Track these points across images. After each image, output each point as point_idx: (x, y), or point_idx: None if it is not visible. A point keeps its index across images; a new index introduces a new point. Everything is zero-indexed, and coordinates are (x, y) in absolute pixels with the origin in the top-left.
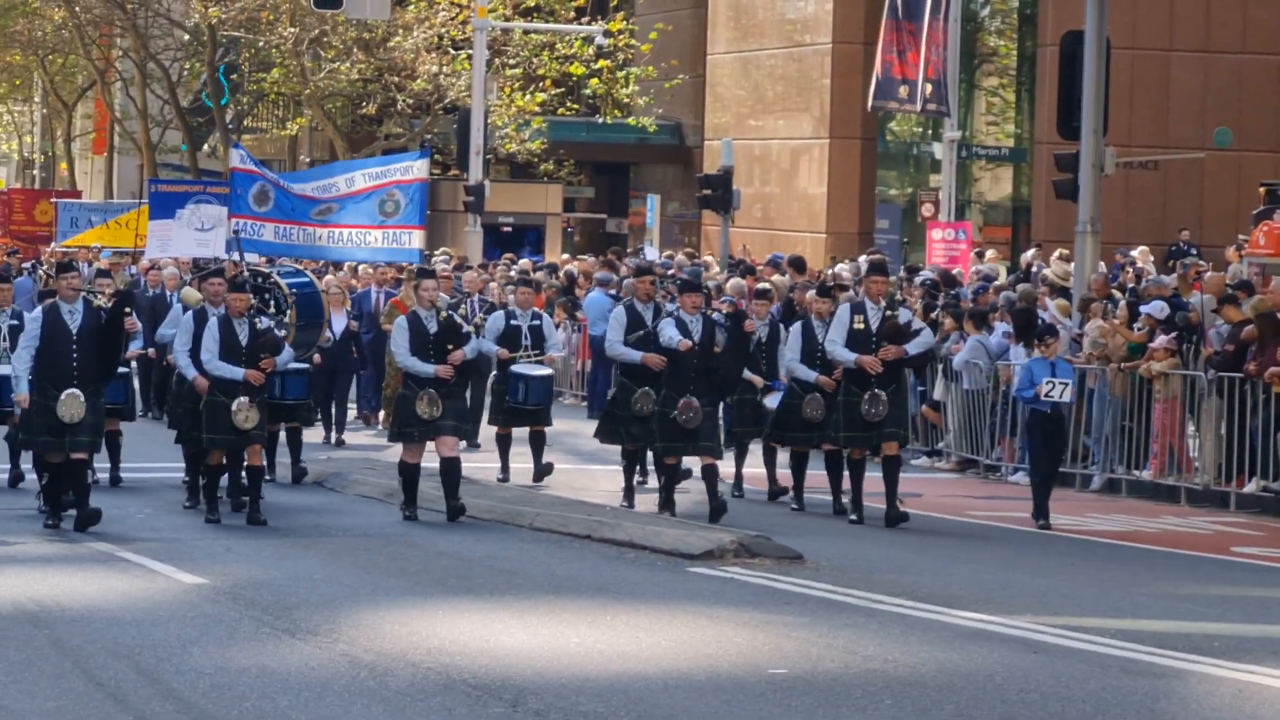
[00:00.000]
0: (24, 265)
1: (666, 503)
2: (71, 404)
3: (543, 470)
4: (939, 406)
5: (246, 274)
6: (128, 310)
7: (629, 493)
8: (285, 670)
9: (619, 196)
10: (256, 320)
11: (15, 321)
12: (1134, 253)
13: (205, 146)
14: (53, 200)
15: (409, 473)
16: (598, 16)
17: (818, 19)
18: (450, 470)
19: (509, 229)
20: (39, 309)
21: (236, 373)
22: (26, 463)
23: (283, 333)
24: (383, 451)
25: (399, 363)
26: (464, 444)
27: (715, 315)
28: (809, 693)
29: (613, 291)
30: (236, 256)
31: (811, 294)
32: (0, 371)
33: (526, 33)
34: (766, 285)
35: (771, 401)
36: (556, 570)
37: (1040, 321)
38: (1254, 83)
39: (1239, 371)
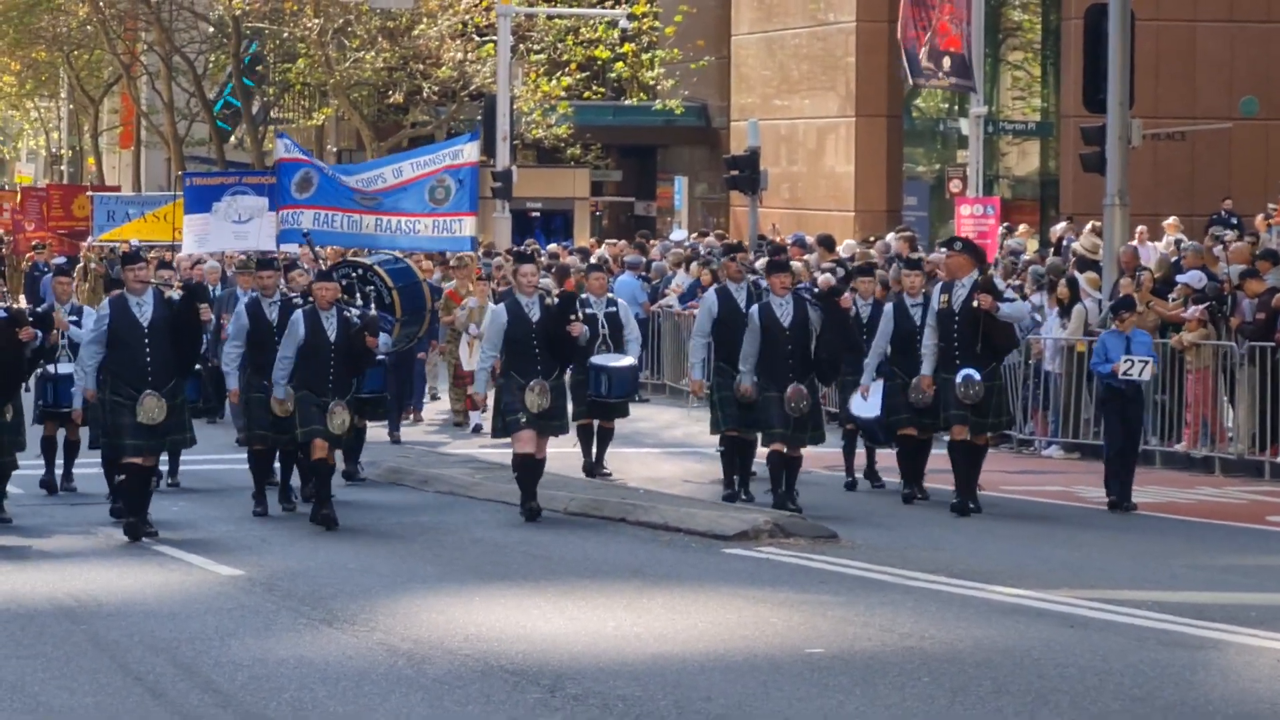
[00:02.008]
0: (55, 261)
1: (785, 499)
2: (151, 406)
3: (599, 469)
4: None
5: (321, 264)
6: (205, 302)
7: (730, 484)
8: (323, 660)
9: (646, 179)
10: (346, 312)
11: (75, 318)
12: (1165, 223)
13: (232, 138)
14: (89, 194)
15: (524, 466)
16: (621, 0)
17: None
18: (538, 470)
19: (537, 214)
20: (106, 301)
21: (280, 390)
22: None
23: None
24: (441, 448)
25: (481, 354)
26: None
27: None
28: (846, 672)
29: (643, 274)
30: (292, 247)
31: (849, 276)
32: (62, 370)
33: (550, 18)
34: (870, 262)
35: (858, 406)
36: (592, 554)
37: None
38: None
39: (1271, 340)
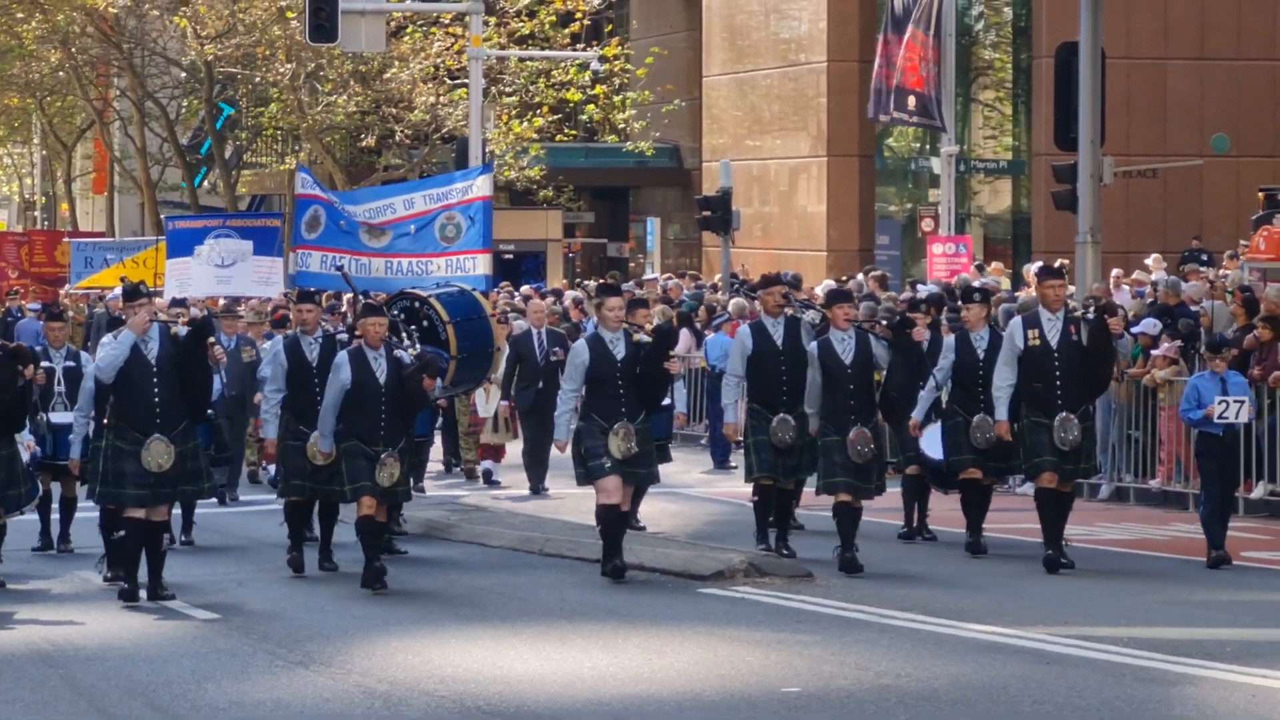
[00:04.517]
0: (30, 307)
1: (849, 562)
2: (159, 451)
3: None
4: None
5: (362, 299)
6: (211, 340)
7: (763, 535)
8: (300, 703)
9: (619, 221)
10: (397, 351)
11: (72, 363)
12: (1148, 261)
13: (205, 183)
14: (66, 239)
15: (610, 519)
16: (593, 42)
17: (812, 38)
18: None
19: (510, 256)
20: (109, 337)
21: (326, 444)
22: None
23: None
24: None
25: (562, 395)
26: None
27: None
28: (822, 710)
29: None
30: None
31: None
32: (55, 419)
33: (522, 60)
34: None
35: (928, 445)
36: (568, 595)
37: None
38: (1250, 88)
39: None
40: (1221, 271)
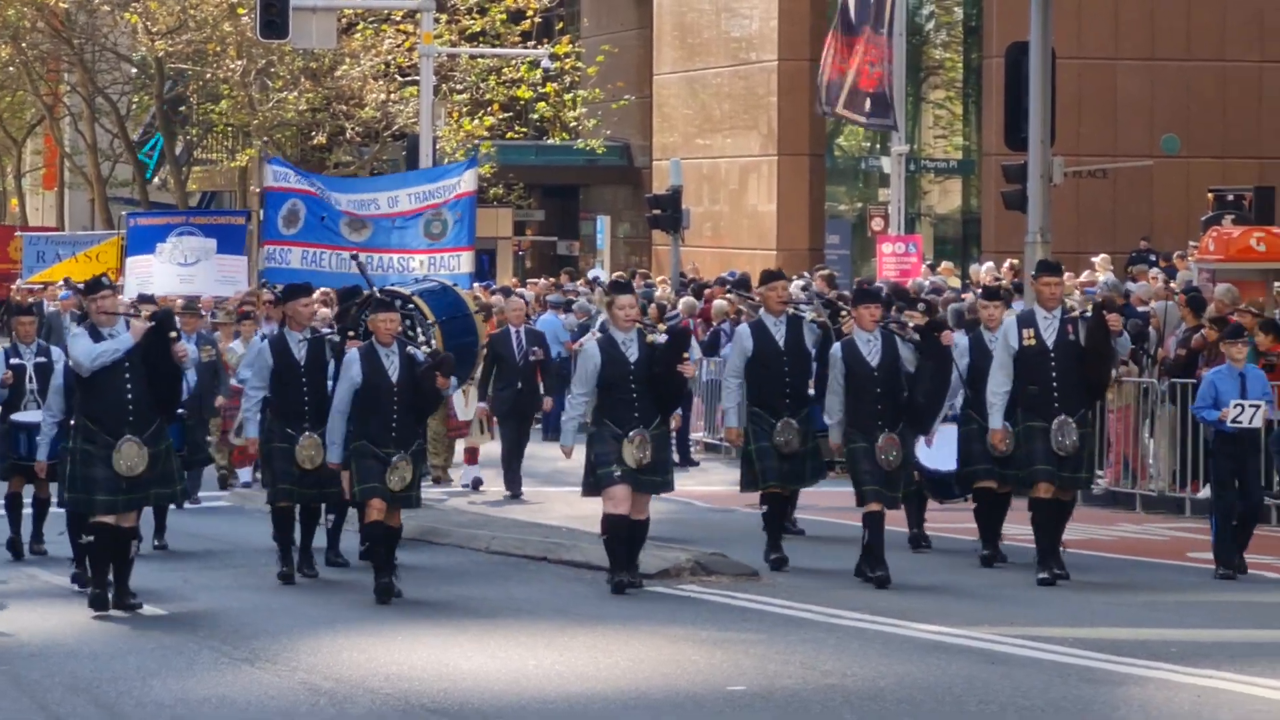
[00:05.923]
0: None
1: (878, 563)
2: (131, 454)
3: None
4: None
5: (376, 293)
6: (174, 334)
7: (775, 546)
8: (245, 700)
9: (569, 218)
10: (410, 348)
11: (43, 359)
12: (1095, 260)
13: (155, 179)
14: (18, 233)
15: (615, 529)
16: (544, 40)
17: (763, 36)
18: (637, 534)
19: None
20: (79, 328)
21: (335, 454)
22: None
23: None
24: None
25: (572, 399)
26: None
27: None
28: (767, 709)
29: (564, 314)
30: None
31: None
32: (27, 418)
33: (473, 58)
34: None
35: (931, 455)
36: (514, 593)
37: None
38: (1199, 90)
39: (1191, 378)
40: (1179, 272)
